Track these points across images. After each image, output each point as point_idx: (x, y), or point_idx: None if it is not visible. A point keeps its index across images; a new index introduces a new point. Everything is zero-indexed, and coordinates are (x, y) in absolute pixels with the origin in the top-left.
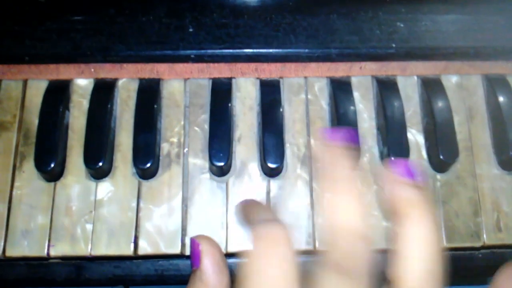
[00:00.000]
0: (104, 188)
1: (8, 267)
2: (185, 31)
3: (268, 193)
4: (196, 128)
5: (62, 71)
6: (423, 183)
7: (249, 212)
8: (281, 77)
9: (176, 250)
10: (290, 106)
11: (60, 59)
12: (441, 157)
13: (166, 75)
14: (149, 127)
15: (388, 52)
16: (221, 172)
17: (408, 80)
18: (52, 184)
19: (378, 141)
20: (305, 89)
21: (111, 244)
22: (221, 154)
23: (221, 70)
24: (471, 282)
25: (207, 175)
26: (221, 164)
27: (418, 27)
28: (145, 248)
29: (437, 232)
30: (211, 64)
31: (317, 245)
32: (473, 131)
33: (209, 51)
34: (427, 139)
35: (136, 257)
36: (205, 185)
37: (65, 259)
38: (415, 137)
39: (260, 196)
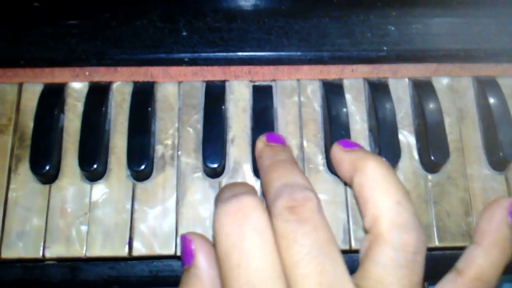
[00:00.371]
0: (99, 190)
1: (3, 269)
2: (179, 34)
3: (262, 194)
4: (189, 128)
5: (57, 75)
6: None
7: (218, 194)
8: (274, 80)
9: (171, 251)
10: (283, 108)
11: (55, 63)
12: (432, 158)
13: (160, 78)
14: (143, 129)
15: (380, 55)
16: (214, 173)
17: (400, 82)
18: (47, 186)
19: (370, 142)
20: (298, 91)
21: (106, 246)
22: (215, 156)
23: (214, 73)
24: None
25: (200, 174)
26: (215, 165)
27: (409, 30)
28: (139, 249)
29: (392, 171)
30: (205, 67)
31: None
32: (464, 132)
33: (203, 54)
34: (418, 140)
35: (130, 258)
36: (198, 184)
37: (60, 260)
38: (407, 138)
39: None
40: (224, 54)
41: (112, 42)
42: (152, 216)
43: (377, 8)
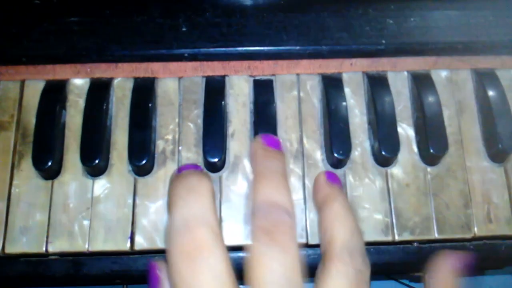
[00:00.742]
0: (101, 185)
1: (7, 264)
2: (178, 30)
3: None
4: (189, 123)
5: (58, 71)
6: (340, 185)
7: (171, 204)
8: (274, 74)
9: None
10: (283, 103)
11: (57, 60)
12: (431, 150)
13: (161, 73)
14: (144, 125)
15: (378, 48)
16: (215, 168)
17: (398, 75)
18: (50, 182)
19: (369, 135)
20: (297, 85)
21: (108, 240)
22: (215, 151)
23: (214, 68)
24: (461, 273)
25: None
26: (215, 160)
27: (407, 23)
28: (141, 243)
29: (352, 212)
30: (205, 63)
31: (309, 239)
32: (463, 125)
33: (203, 49)
34: (417, 133)
35: (133, 252)
36: None
37: (63, 255)
38: (406, 131)
39: None
40: (224, 49)
41: (112, 38)
42: (153, 210)
43: (375, 2)
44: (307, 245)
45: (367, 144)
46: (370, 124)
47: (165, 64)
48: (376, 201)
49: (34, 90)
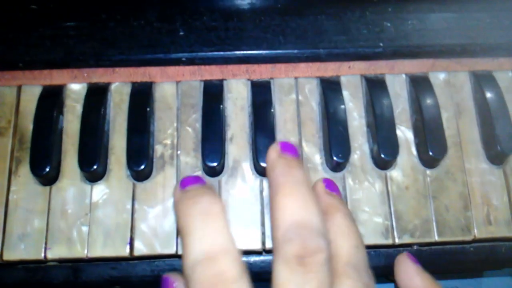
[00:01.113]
0: (99, 190)
1: (5, 271)
2: (176, 34)
3: (261, 192)
4: (188, 128)
5: (55, 77)
6: (340, 195)
7: (185, 227)
8: (272, 78)
9: (172, 250)
10: (281, 106)
11: (54, 65)
12: (430, 152)
13: (158, 78)
14: (142, 129)
15: (376, 51)
16: (214, 172)
17: (396, 78)
18: (48, 187)
19: (368, 138)
20: (296, 89)
21: (107, 246)
22: (214, 155)
23: (212, 72)
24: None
25: (199, 173)
26: (214, 164)
27: (405, 26)
28: (140, 249)
29: (354, 222)
30: (203, 67)
31: None
32: (462, 127)
33: (200, 53)
34: (416, 135)
35: (132, 258)
36: None
37: (62, 261)
38: (405, 134)
39: (254, 195)
40: (222, 53)
41: (109, 43)
42: (152, 215)
43: (372, 5)
44: None
45: (366, 147)
46: (369, 127)
47: (162, 69)
48: (375, 204)
49: (31, 96)
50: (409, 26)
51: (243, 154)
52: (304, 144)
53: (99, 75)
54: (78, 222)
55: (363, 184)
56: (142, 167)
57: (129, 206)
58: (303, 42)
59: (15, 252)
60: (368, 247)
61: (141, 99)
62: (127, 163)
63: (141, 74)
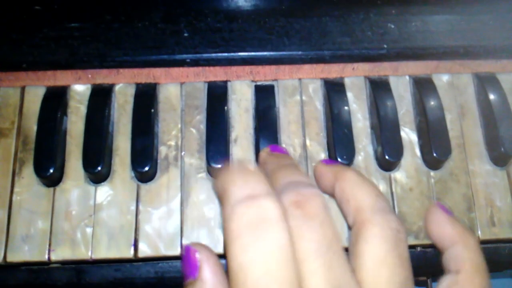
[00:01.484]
0: (103, 192)
1: (9, 272)
2: (180, 35)
3: None
4: (192, 129)
5: (59, 78)
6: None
7: (226, 184)
8: (276, 79)
9: (176, 251)
10: (285, 108)
11: (58, 66)
12: (434, 154)
13: (163, 79)
14: (146, 131)
15: (380, 53)
16: None
17: (400, 80)
18: (52, 189)
19: (372, 140)
20: (300, 90)
21: (111, 247)
22: (218, 156)
23: (216, 74)
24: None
25: (203, 174)
26: (219, 165)
27: (408, 28)
28: (145, 250)
29: (365, 176)
30: (207, 68)
31: None
32: (465, 128)
33: (205, 55)
34: (420, 137)
35: (136, 259)
36: (202, 184)
37: (65, 263)
38: (409, 135)
39: None
40: (226, 54)
41: (114, 44)
42: (156, 217)
43: (376, 7)
44: None
45: (370, 149)
46: (373, 129)
47: (167, 70)
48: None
49: (34, 97)
50: (412, 28)
51: (247, 155)
52: (308, 142)
53: (103, 76)
54: (82, 223)
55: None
56: (147, 168)
57: (133, 208)
58: (307, 44)
59: (19, 254)
60: None
61: (146, 100)
62: (131, 165)
63: (145, 75)
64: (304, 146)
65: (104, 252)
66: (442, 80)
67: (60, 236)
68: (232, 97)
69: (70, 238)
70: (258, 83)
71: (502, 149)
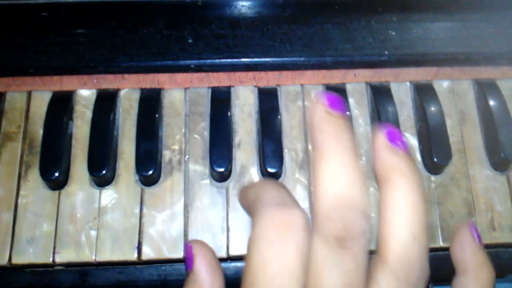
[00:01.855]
0: (108, 195)
1: (14, 274)
2: (184, 42)
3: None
4: (196, 136)
5: (65, 83)
6: (408, 152)
7: (260, 192)
8: (278, 85)
9: (179, 254)
10: (288, 113)
11: (64, 71)
12: (435, 159)
13: (167, 84)
14: (151, 135)
15: (381, 59)
16: (221, 177)
17: (401, 86)
18: (57, 192)
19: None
20: (302, 96)
21: (115, 250)
22: (222, 160)
23: (220, 79)
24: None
25: (207, 181)
26: (222, 169)
27: (409, 34)
28: (148, 253)
29: (423, 199)
30: (210, 74)
31: None
32: (465, 134)
33: (208, 61)
34: (421, 142)
35: (139, 262)
36: (205, 190)
37: (70, 265)
38: (410, 140)
39: None
40: (229, 60)
41: (119, 50)
42: (160, 220)
43: (377, 14)
44: None
45: (371, 154)
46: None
47: (171, 75)
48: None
49: (41, 101)
50: (413, 35)
51: (250, 159)
52: (310, 148)
53: (108, 82)
54: (87, 226)
55: (368, 190)
56: (151, 172)
57: (137, 211)
58: (309, 50)
59: (24, 256)
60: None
61: (150, 105)
62: (135, 168)
63: (150, 80)
64: (306, 151)
65: (108, 254)
66: (442, 86)
67: (65, 239)
68: (236, 103)
69: (74, 240)
70: (261, 86)
71: (502, 154)
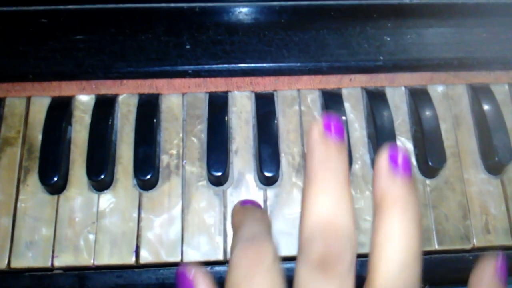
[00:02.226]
0: (106, 199)
1: (13, 278)
2: (182, 48)
3: (265, 201)
4: (193, 138)
5: (64, 88)
6: (410, 176)
7: (240, 221)
8: (275, 90)
9: (177, 258)
10: (284, 117)
11: (63, 77)
12: (430, 163)
13: (165, 90)
14: (149, 140)
15: (377, 64)
16: (218, 181)
17: (396, 90)
18: (56, 196)
19: (369, 149)
20: (298, 101)
21: (114, 254)
22: (219, 165)
23: (217, 84)
24: (462, 284)
25: (204, 182)
26: (219, 174)
27: (404, 40)
28: (146, 257)
29: (417, 226)
30: (208, 79)
31: None
32: (460, 138)
33: (206, 66)
34: (416, 146)
35: (137, 266)
36: (202, 192)
37: (68, 269)
38: (405, 144)
39: None
40: (227, 66)
41: (118, 56)
42: (158, 224)
43: (373, 20)
44: None
45: (367, 158)
46: (369, 138)
47: (169, 81)
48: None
49: (40, 107)
50: (408, 41)
51: (247, 166)
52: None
53: (107, 87)
54: (85, 230)
55: (364, 193)
56: (149, 176)
57: (135, 215)
58: (305, 56)
59: (23, 260)
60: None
61: (148, 110)
62: (134, 173)
63: (148, 86)
64: (302, 155)
65: (106, 258)
66: (437, 91)
67: (64, 243)
68: (233, 109)
69: (73, 244)
70: (258, 92)
71: (496, 158)
